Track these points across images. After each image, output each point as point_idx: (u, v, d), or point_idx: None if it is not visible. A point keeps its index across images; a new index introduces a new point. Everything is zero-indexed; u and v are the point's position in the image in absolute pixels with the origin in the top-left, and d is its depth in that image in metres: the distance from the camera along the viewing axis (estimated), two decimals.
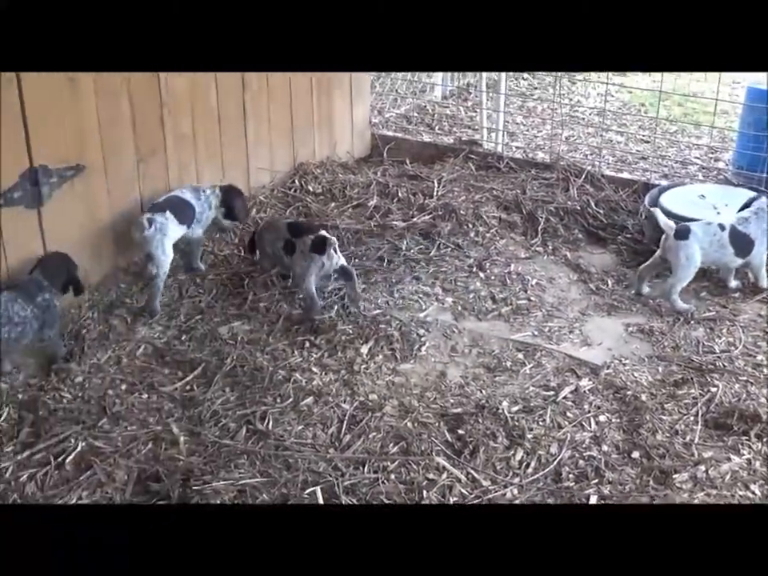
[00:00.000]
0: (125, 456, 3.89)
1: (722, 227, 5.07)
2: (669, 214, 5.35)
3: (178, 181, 5.54)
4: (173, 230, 5.09)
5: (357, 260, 5.47)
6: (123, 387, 4.36)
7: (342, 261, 4.97)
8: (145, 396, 4.31)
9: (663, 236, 5.07)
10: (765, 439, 3.96)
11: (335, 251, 4.89)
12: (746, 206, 5.28)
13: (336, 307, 4.98)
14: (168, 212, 5.05)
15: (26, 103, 4.44)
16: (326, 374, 4.45)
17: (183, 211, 5.20)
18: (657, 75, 9.11)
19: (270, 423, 4.08)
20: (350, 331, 4.76)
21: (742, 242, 5.07)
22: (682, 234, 5.00)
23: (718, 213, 5.62)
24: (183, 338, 4.75)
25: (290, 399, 4.24)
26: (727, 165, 7.31)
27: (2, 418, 4.11)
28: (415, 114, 8.23)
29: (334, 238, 4.90)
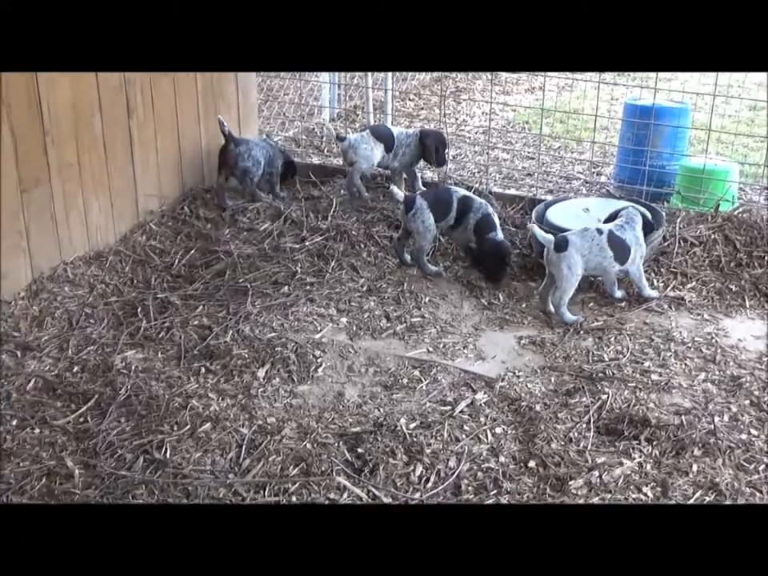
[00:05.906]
0: (17, 493, 3.78)
1: (599, 231, 5.21)
2: (555, 228, 5.49)
3: (63, 211, 5.44)
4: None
5: (250, 284, 5.44)
6: (14, 423, 4.25)
7: None
8: (37, 431, 4.22)
9: (545, 250, 5.19)
10: (654, 443, 4.09)
11: None
12: (613, 216, 5.44)
13: (231, 332, 4.95)
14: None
15: None
16: (222, 399, 4.43)
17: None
18: (539, 93, 9.33)
19: (168, 452, 4.03)
20: (246, 355, 4.73)
21: (619, 247, 5.22)
22: (561, 245, 5.12)
23: None
24: (75, 370, 4.66)
25: (188, 426, 4.20)
26: (609, 179, 7.54)
27: None
28: (304, 137, 8.26)
29: None
